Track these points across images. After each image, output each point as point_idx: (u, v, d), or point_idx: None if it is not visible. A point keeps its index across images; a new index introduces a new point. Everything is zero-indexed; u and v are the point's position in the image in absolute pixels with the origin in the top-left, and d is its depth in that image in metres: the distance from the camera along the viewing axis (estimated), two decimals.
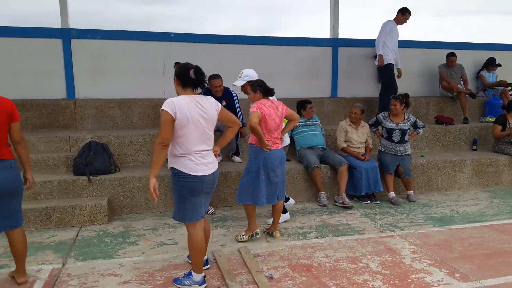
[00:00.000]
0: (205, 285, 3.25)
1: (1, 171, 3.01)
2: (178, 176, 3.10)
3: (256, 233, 4.21)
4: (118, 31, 7.02)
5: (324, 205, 5.38)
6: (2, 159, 3.04)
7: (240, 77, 4.46)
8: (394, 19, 6.93)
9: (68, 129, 6.28)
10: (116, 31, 7.01)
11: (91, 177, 4.95)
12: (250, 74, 4.45)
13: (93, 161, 5.11)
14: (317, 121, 6.09)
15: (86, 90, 6.92)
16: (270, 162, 4.06)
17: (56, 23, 6.87)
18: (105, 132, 5.89)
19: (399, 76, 7.27)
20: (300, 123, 5.96)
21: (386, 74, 6.95)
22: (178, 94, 3.14)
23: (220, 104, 3.29)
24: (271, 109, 4.07)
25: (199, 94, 3.20)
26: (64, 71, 6.80)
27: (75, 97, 6.81)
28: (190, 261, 3.59)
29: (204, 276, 3.27)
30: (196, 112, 3.06)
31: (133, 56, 7.05)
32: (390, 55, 6.88)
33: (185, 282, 3.24)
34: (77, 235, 4.36)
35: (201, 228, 3.23)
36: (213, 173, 3.20)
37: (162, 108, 2.99)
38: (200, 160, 3.11)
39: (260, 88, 4.13)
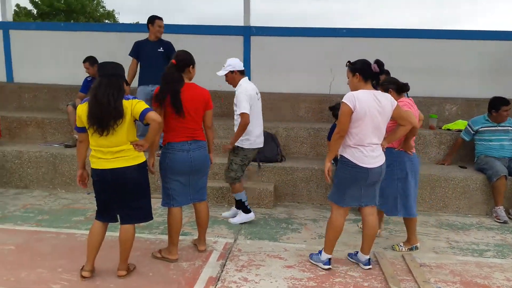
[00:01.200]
0: (329, 266, 3.42)
1: (197, 150, 3.47)
2: (346, 164, 3.23)
3: (416, 247, 3.92)
4: (293, 28, 7.32)
5: (504, 222, 4.73)
6: (198, 140, 3.49)
7: (224, 66, 4.25)
8: None
9: None
10: (291, 28, 7.32)
11: (260, 164, 5.32)
12: (233, 63, 4.23)
13: (263, 149, 5.46)
14: (510, 127, 5.23)
15: (261, 84, 7.36)
16: (416, 166, 3.77)
17: (237, 22, 7.55)
18: (275, 124, 6.25)
19: None
20: (486, 127, 5.27)
21: None
22: (357, 89, 3.19)
23: (396, 102, 3.25)
24: (413, 109, 3.70)
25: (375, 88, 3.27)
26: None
27: None
28: (351, 259, 3.61)
29: (330, 259, 3.43)
30: (373, 107, 3.14)
31: (304, 51, 7.27)
32: None
33: (314, 257, 3.52)
34: None
35: (345, 215, 3.41)
36: (380, 165, 3.26)
37: (343, 100, 3.15)
38: (370, 153, 3.19)
39: (393, 86, 3.74)
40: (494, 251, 4.00)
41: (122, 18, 37.41)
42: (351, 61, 3.29)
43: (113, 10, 34.42)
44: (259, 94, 4.38)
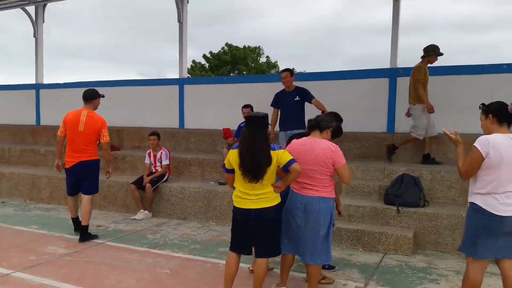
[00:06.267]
0: None
1: None
2: (478, 212, 3.02)
3: None
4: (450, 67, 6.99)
5: None
6: None
7: None
8: None
9: (384, 160, 6.71)
10: (449, 67, 7.00)
11: (400, 208, 5.13)
12: None
13: (404, 193, 5.28)
14: None
15: (406, 124, 7.20)
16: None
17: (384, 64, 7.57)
18: (419, 166, 5.97)
19: None
20: None
21: None
22: (490, 132, 2.99)
23: None
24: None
25: None
26: (387, 107, 7.35)
27: (395, 131, 7.22)
28: None
29: None
30: (511, 152, 2.85)
31: (455, 90, 6.85)
32: None
33: None
34: (380, 261, 4.62)
35: (482, 268, 3.09)
36: None
37: (474, 144, 2.98)
38: (505, 200, 2.94)
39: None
40: None
41: (282, 66, 40.32)
42: (485, 103, 3.10)
43: (275, 61, 37.31)
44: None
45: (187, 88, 9.36)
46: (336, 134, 3.76)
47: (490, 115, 3.03)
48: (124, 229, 5.94)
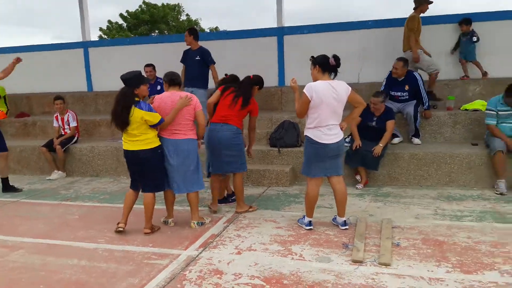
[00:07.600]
0: (310, 227, 4.15)
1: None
2: (309, 141, 3.99)
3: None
4: (321, 24, 7.92)
5: (502, 194, 4.98)
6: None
7: None
8: None
9: (275, 111, 7.64)
10: (319, 25, 7.93)
11: (280, 149, 6.10)
12: None
13: (284, 136, 6.25)
14: None
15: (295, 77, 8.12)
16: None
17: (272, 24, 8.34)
18: None
19: None
20: (505, 111, 5.26)
21: None
22: (316, 80, 3.87)
23: (350, 88, 3.89)
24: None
25: (333, 79, 3.94)
26: (277, 64, 8.21)
27: (284, 85, 8.14)
28: (334, 222, 4.28)
29: (311, 222, 4.18)
30: (330, 95, 3.78)
31: (332, 45, 7.84)
32: None
33: (299, 220, 4.32)
34: (263, 192, 5.58)
35: (317, 184, 4.09)
36: (337, 142, 3.95)
37: (303, 90, 3.85)
38: (327, 131, 3.90)
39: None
40: (474, 216, 4.37)
41: (204, 24, 39.56)
42: (314, 56, 3.96)
43: (196, 19, 36.79)
44: None
45: (92, 51, 9.54)
46: (260, 86, 4.96)
47: (317, 66, 3.92)
48: (38, 188, 6.37)
